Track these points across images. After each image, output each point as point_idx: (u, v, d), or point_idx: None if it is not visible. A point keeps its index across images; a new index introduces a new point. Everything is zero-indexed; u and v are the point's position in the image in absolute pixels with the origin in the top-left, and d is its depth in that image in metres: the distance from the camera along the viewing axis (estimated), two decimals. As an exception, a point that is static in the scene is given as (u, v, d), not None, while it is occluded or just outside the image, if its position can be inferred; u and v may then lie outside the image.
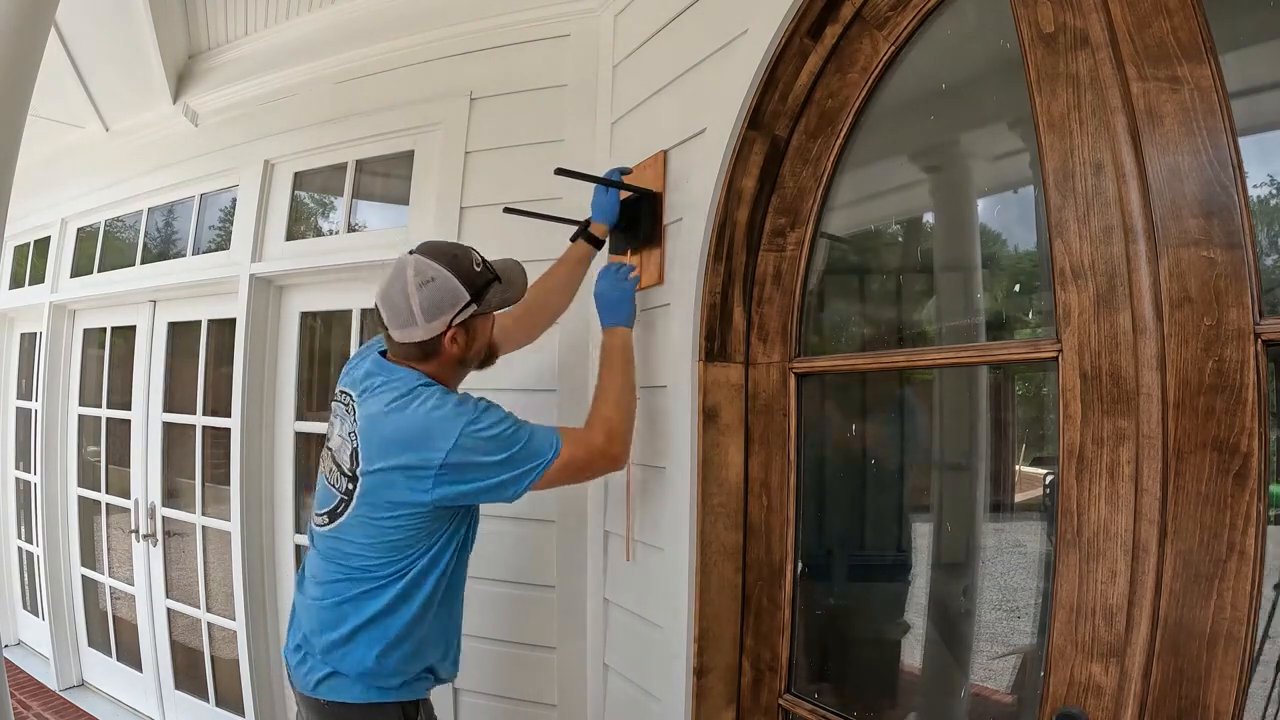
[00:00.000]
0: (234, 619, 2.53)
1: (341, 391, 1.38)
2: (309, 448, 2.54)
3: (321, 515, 1.34)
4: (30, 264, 3.66)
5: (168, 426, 2.95)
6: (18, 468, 3.78)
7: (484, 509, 1.42)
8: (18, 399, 3.84)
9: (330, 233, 2.45)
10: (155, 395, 2.97)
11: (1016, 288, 1.17)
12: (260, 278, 2.48)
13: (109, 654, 3.28)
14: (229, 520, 2.53)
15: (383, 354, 1.36)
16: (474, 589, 1.50)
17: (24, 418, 3.73)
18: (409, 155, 2.17)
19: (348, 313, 2.40)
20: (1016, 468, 1.21)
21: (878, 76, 1.25)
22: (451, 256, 1.29)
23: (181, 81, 2.82)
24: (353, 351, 2.35)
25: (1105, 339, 0.87)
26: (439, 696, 1.55)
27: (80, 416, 3.37)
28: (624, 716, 1.68)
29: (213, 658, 2.80)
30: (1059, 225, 0.92)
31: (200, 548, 2.81)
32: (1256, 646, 0.76)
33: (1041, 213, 0.95)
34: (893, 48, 1.21)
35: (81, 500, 3.34)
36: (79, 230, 3.36)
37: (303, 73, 2.45)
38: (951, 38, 1.17)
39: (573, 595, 1.81)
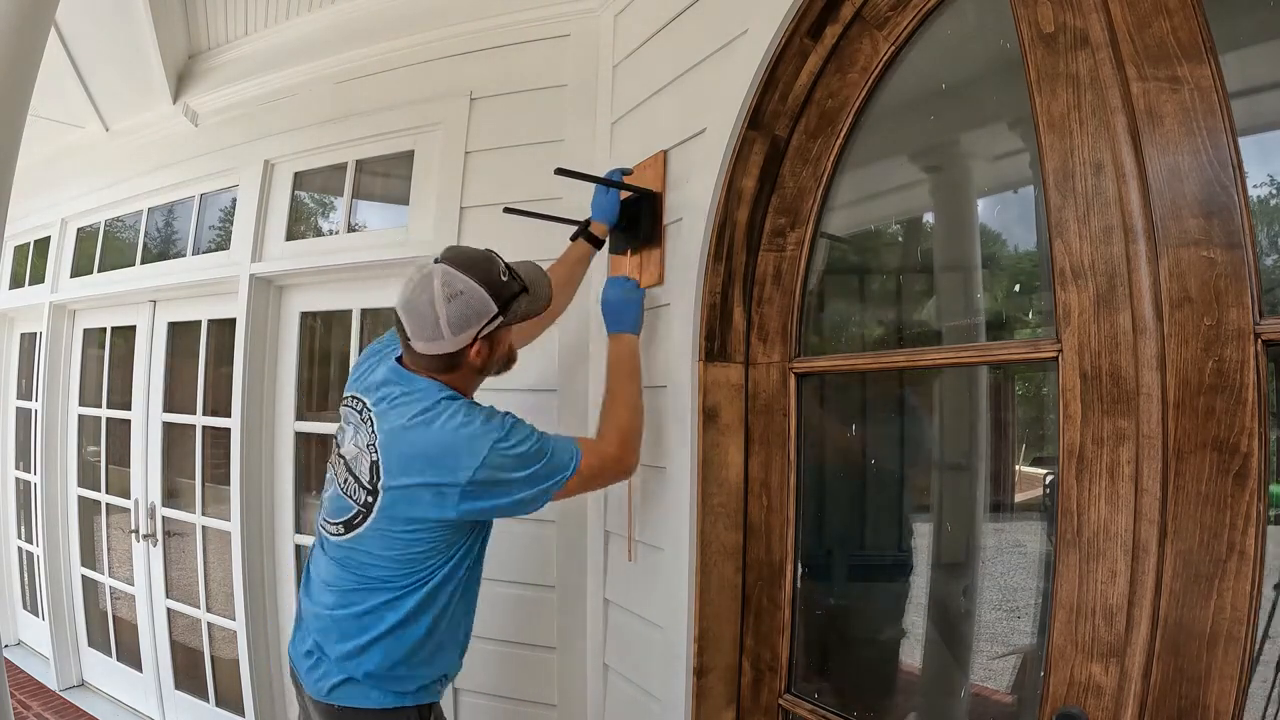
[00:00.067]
0: (234, 619, 2.53)
1: (353, 397, 1.35)
2: (309, 448, 2.54)
3: (336, 524, 1.31)
4: (30, 264, 3.66)
5: (168, 426, 2.95)
6: (18, 468, 3.78)
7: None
8: (18, 399, 3.84)
9: (330, 233, 2.45)
10: (155, 395, 2.97)
11: (1016, 288, 1.17)
12: (260, 278, 2.48)
13: (109, 654, 3.28)
14: (229, 520, 2.53)
15: (398, 359, 1.33)
16: (474, 589, 1.50)
17: (24, 418, 3.73)
18: (409, 155, 2.17)
19: (348, 313, 2.40)
20: (1016, 468, 1.21)
21: (878, 76, 1.25)
22: (480, 267, 1.25)
23: (181, 81, 2.82)
24: (353, 351, 2.36)
25: (1105, 339, 0.87)
26: (439, 696, 1.55)
27: (80, 416, 3.37)
28: (624, 716, 1.68)
29: (213, 658, 2.80)
30: (1059, 225, 0.92)
31: (200, 548, 2.81)
32: (1256, 646, 0.76)
33: (1041, 213, 0.95)
34: (893, 48, 1.21)
35: (81, 500, 3.34)
36: (79, 230, 3.36)
37: (303, 73, 2.45)
38: (951, 38, 1.17)
39: (573, 595, 1.81)
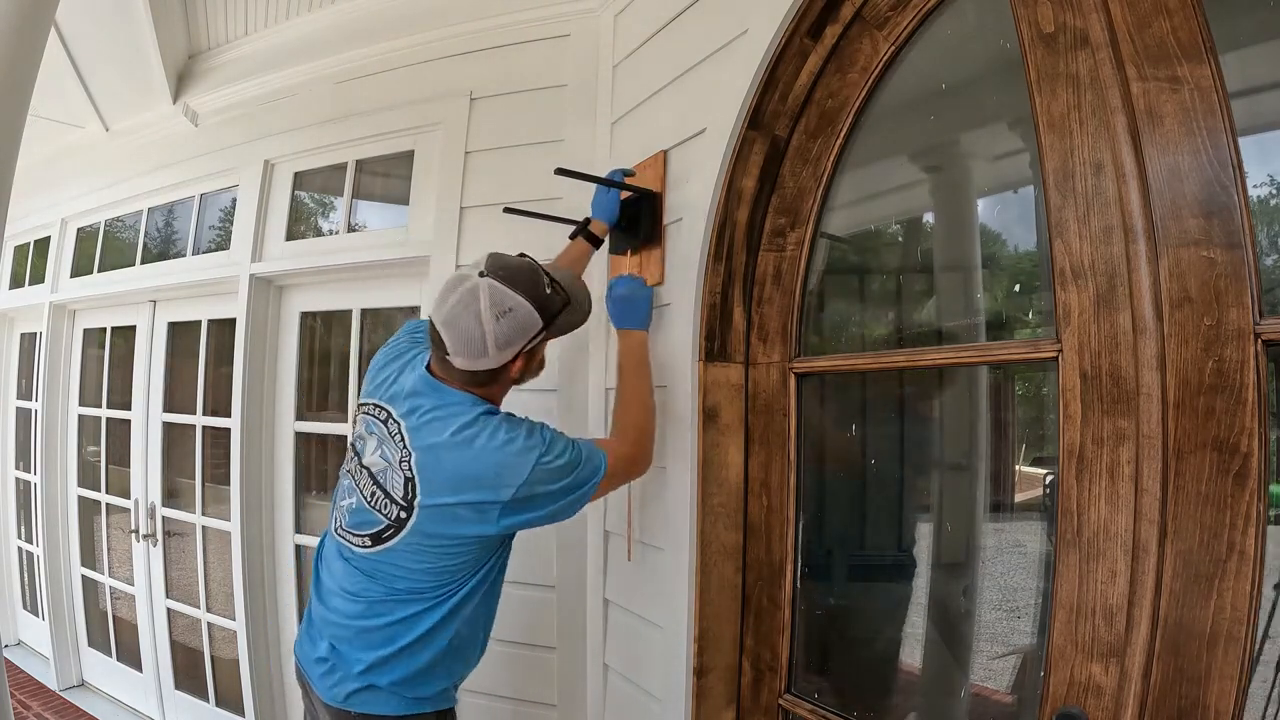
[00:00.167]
0: (234, 619, 2.53)
1: (375, 405, 1.30)
2: (309, 448, 2.54)
3: (362, 537, 1.27)
4: (30, 264, 3.66)
5: (168, 426, 2.95)
6: (18, 468, 3.78)
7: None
8: (18, 399, 3.84)
9: (330, 233, 2.45)
10: (155, 395, 2.97)
11: (1016, 288, 1.17)
12: (260, 278, 2.48)
13: (109, 654, 3.28)
14: (229, 520, 2.53)
15: (426, 367, 1.29)
16: (474, 589, 1.50)
17: (24, 418, 3.73)
18: (409, 155, 2.17)
19: (348, 313, 2.41)
20: (1016, 468, 1.21)
21: (878, 76, 1.25)
22: (527, 280, 1.21)
23: (181, 81, 2.82)
24: (353, 351, 2.36)
25: (1105, 339, 0.87)
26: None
27: (80, 416, 3.37)
28: (624, 717, 1.68)
29: (213, 658, 2.80)
30: (1059, 225, 0.92)
31: (200, 548, 2.81)
32: (1256, 646, 0.76)
33: (1041, 213, 0.95)
34: (893, 48, 1.21)
35: (81, 500, 3.34)
36: (79, 230, 3.36)
37: (303, 73, 2.45)
38: (951, 38, 1.17)
39: (573, 595, 1.81)
